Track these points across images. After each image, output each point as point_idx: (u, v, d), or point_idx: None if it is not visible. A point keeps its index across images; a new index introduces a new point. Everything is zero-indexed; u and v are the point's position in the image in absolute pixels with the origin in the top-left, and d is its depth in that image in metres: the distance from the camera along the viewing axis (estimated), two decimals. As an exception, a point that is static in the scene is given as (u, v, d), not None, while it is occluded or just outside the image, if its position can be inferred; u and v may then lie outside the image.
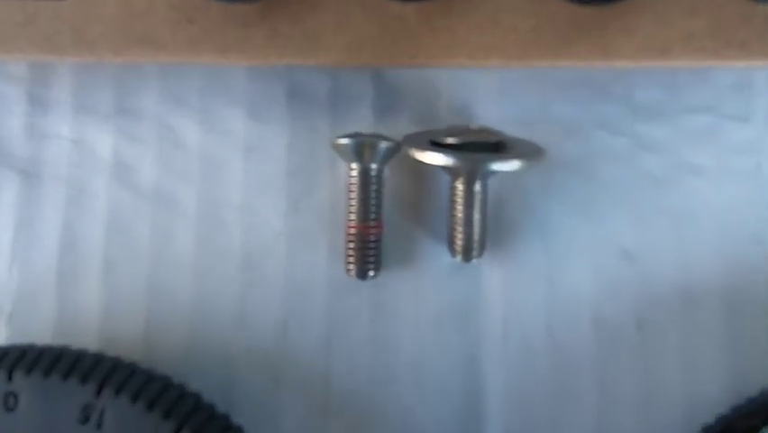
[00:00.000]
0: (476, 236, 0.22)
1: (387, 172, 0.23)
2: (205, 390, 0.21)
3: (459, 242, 0.22)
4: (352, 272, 0.22)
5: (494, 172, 0.22)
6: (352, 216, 0.22)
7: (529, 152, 0.21)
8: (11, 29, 0.22)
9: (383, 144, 0.22)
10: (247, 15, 0.22)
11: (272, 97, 0.24)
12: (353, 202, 0.22)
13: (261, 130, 0.24)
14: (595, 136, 0.23)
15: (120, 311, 0.23)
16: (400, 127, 0.23)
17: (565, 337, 0.22)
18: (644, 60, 0.21)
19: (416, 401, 0.22)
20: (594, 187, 0.23)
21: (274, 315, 0.23)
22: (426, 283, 0.23)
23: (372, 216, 0.22)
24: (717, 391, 0.22)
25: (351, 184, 0.22)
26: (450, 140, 0.21)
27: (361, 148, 0.22)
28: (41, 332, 0.23)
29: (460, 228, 0.22)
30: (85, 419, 0.19)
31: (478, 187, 0.22)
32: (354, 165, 0.22)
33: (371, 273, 0.22)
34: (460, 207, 0.22)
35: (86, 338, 0.22)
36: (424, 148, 0.21)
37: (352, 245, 0.22)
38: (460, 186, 0.22)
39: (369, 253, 0.22)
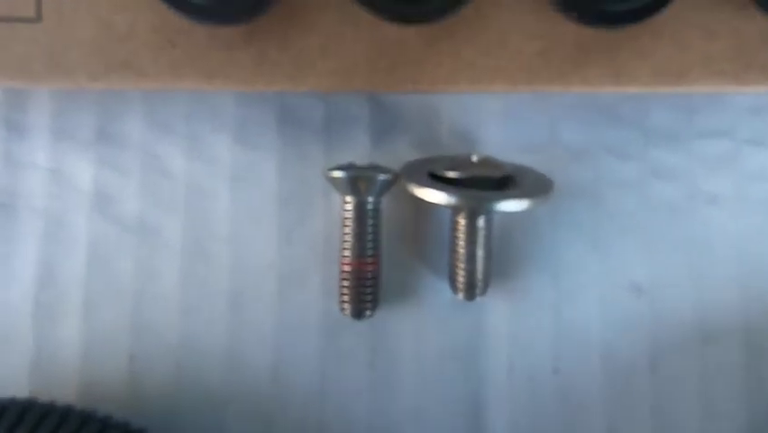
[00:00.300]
0: (479, 274, 0.21)
1: (384, 203, 0.21)
2: (192, 439, 0.20)
3: (461, 279, 0.21)
4: (347, 311, 0.21)
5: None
6: (347, 252, 0.21)
7: (536, 186, 0.20)
8: (-20, 53, 0.20)
9: (380, 177, 0.20)
10: (233, 39, 0.20)
11: (262, 122, 0.23)
12: (348, 237, 0.21)
13: (251, 157, 0.22)
14: (604, 162, 0.22)
15: (101, 353, 0.22)
16: (399, 153, 0.22)
17: (573, 377, 0.22)
18: (660, 86, 0.20)
19: (417, 449, 0.21)
20: (604, 216, 0.22)
21: (264, 357, 0.22)
22: (427, 322, 0.22)
23: (369, 251, 0.21)
24: (737, 439, 0.21)
25: (345, 218, 0.21)
26: (451, 174, 0.20)
27: (356, 181, 0.20)
28: (15, 376, 0.21)
29: (462, 265, 0.21)
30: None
31: (481, 222, 0.20)
32: (349, 198, 0.21)
33: (368, 313, 0.21)
34: (462, 243, 0.21)
35: (65, 382, 0.21)
36: (423, 184, 0.20)
37: (346, 283, 0.21)
38: (462, 221, 0.21)
39: (365, 291, 0.21)
